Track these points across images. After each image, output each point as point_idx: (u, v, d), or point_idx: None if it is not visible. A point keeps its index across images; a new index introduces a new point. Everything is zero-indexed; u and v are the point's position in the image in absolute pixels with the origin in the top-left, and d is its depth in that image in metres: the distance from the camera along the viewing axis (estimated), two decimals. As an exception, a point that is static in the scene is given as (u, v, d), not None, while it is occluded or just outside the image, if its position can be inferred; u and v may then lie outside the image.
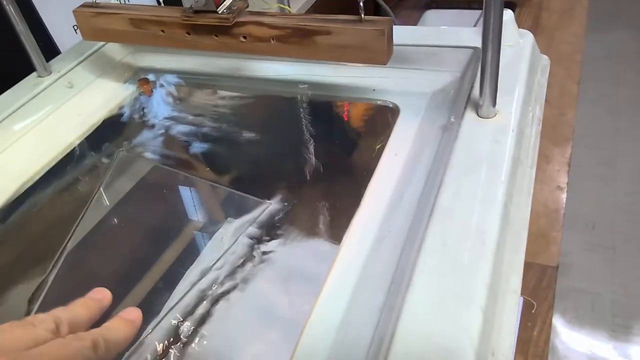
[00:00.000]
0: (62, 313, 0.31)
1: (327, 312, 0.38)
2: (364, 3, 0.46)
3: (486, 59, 0.43)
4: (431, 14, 1.47)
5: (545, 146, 1.02)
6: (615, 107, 1.96)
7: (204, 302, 0.43)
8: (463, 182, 0.41)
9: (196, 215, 0.54)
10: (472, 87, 0.49)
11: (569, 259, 1.58)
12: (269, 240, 0.47)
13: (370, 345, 0.36)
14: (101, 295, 0.34)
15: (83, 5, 0.55)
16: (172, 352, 0.40)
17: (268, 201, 0.50)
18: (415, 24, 1.40)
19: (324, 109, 0.59)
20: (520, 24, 1.35)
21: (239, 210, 0.50)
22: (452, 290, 0.34)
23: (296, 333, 0.37)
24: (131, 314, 0.33)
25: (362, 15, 0.46)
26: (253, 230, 0.48)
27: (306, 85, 0.61)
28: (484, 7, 0.41)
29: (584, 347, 1.41)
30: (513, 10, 1.36)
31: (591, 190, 1.73)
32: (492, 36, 0.42)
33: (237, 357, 0.40)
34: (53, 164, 0.57)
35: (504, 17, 0.54)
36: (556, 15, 1.35)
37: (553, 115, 1.08)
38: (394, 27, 0.61)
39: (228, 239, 0.48)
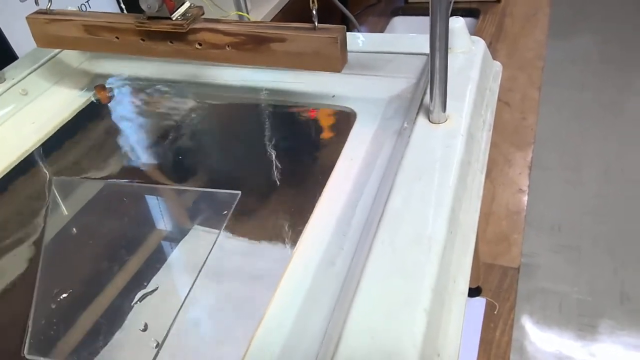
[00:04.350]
0: None
1: (279, 314, 0.39)
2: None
3: (434, 66, 0.44)
4: (398, 21, 1.49)
5: (508, 150, 1.04)
6: (579, 111, 2.01)
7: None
8: (413, 187, 0.42)
9: (164, 221, 0.53)
10: (424, 93, 0.50)
11: (535, 260, 1.61)
12: (224, 242, 0.47)
13: (320, 348, 0.36)
14: None
15: (37, 12, 0.55)
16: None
17: (236, 191, 0.50)
18: (382, 31, 1.42)
19: (282, 115, 0.59)
20: (484, 31, 1.38)
21: (211, 206, 0.50)
22: (397, 293, 0.34)
23: (248, 334, 0.37)
24: None
25: (316, 23, 0.47)
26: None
27: (266, 92, 0.61)
28: (430, 15, 0.42)
29: (552, 347, 1.43)
30: (477, 17, 1.39)
31: (557, 193, 1.77)
32: (439, 43, 0.43)
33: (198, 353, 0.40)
34: (6, 172, 0.56)
35: (456, 25, 0.55)
36: (519, 22, 1.38)
37: (515, 119, 1.10)
38: (353, 33, 0.62)
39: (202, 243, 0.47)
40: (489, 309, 0.82)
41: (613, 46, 2.33)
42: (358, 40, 0.61)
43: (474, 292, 0.84)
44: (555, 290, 1.51)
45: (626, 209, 1.66)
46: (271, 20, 1.15)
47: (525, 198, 0.96)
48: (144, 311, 0.42)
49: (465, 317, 0.36)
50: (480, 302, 0.83)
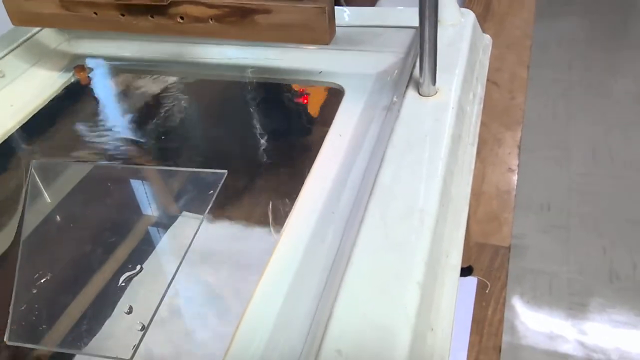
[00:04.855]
0: None
1: (269, 294, 0.38)
2: None
3: (424, 37, 0.43)
4: (386, 1, 1.47)
5: (497, 130, 1.04)
6: (567, 92, 2.01)
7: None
8: (403, 160, 0.41)
9: (147, 202, 0.52)
10: (414, 66, 0.49)
11: (524, 240, 1.61)
12: (212, 222, 0.46)
13: (311, 326, 0.35)
14: None
15: (10, -11, 0.52)
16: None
17: (222, 171, 0.48)
18: (369, 11, 1.40)
19: (269, 92, 0.58)
20: (471, 10, 1.38)
21: (197, 186, 0.49)
22: (389, 267, 0.34)
23: (237, 315, 0.36)
24: None
25: (302, -6, 0.45)
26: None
27: (251, 69, 0.59)
28: (419, -17, 0.40)
29: (543, 327, 1.44)
30: (464, -3, 1.37)
31: (545, 173, 1.77)
32: (428, 13, 0.42)
33: (180, 341, 0.39)
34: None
35: (445, -4, 0.54)
36: (507, 1, 1.37)
37: (504, 99, 1.09)
38: (339, 7, 0.60)
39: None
40: (481, 288, 0.82)
41: (599, 28, 2.33)
42: (345, 14, 0.59)
43: (465, 271, 0.84)
44: (545, 270, 1.52)
45: (614, 188, 1.67)
46: None
47: (515, 177, 0.95)
48: (129, 294, 0.41)
49: (458, 296, 0.36)
50: (471, 281, 0.83)
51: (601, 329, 1.40)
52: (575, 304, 1.46)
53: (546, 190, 1.70)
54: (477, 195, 0.92)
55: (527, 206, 1.67)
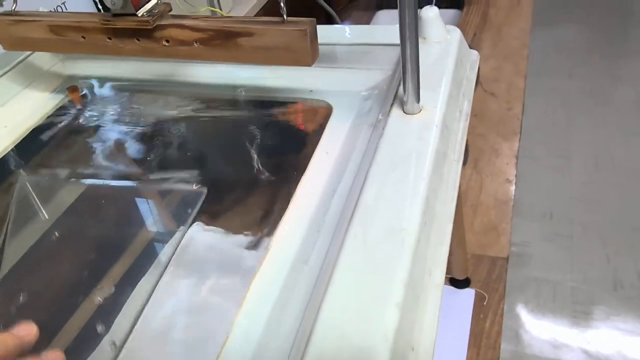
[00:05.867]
0: None
1: (252, 315, 0.38)
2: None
3: (405, 56, 0.43)
4: (383, 15, 1.48)
5: (494, 140, 1.04)
6: (567, 99, 2.01)
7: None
8: (386, 179, 0.41)
9: (126, 220, 0.53)
10: (399, 84, 0.49)
11: (528, 249, 1.60)
12: (195, 238, 0.46)
13: (292, 347, 0.35)
14: (25, 332, 0.31)
15: (1, 14, 0.53)
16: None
17: (202, 189, 0.49)
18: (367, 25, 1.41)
19: (258, 111, 0.58)
20: (468, 22, 1.37)
21: (176, 204, 0.49)
22: (369, 288, 0.34)
23: (222, 334, 0.37)
24: (52, 356, 0.31)
25: (285, 17, 0.46)
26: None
27: (243, 88, 0.60)
28: (398, 2, 0.41)
29: (547, 335, 1.43)
30: (461, 8, 1.38)
31: (547, 181, 1.77)
32: (409, 32, 0.42)
33: (165, 354, 0.39)
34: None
35: (430, 14, 0.54)
36: (503, 12, 1.37)
37: (501, 109, 1.09)
38: (328, 26, 0.61)
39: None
40: (478, 300, 0.82)
41: (598, 35, 2.33)
42: (334, 33, 0.60)
43: (463, 283, 0.84)
44: (549, 278, 1.51)
45: (616, 195, 1.66)
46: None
47: (513, 187, 0.95)
48: (104, 313, 0.42)
49: (455, 309, 0.36)
50: (469, 293, 0.83)
51: (605, 337, 1.39)
52: (579, 312, 1.44)
53: (548, 199, 1.70)
54: (474, 206, 0.92)
55: (529, 215, 1.67)
